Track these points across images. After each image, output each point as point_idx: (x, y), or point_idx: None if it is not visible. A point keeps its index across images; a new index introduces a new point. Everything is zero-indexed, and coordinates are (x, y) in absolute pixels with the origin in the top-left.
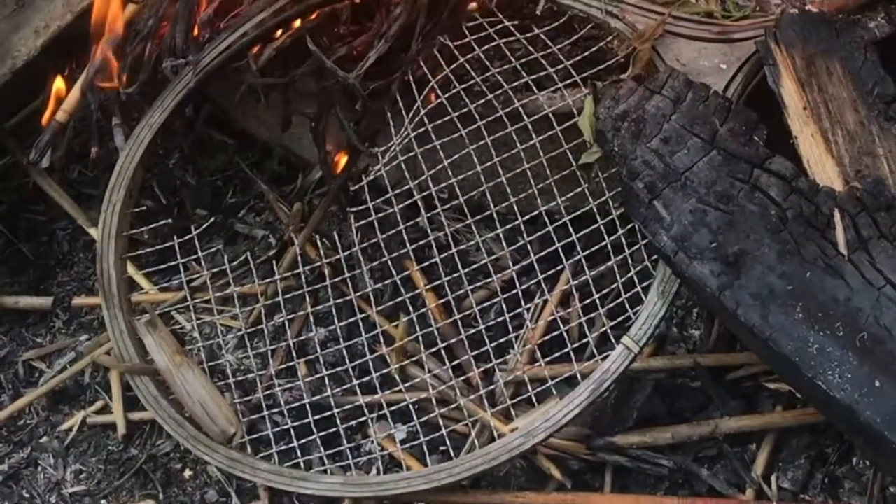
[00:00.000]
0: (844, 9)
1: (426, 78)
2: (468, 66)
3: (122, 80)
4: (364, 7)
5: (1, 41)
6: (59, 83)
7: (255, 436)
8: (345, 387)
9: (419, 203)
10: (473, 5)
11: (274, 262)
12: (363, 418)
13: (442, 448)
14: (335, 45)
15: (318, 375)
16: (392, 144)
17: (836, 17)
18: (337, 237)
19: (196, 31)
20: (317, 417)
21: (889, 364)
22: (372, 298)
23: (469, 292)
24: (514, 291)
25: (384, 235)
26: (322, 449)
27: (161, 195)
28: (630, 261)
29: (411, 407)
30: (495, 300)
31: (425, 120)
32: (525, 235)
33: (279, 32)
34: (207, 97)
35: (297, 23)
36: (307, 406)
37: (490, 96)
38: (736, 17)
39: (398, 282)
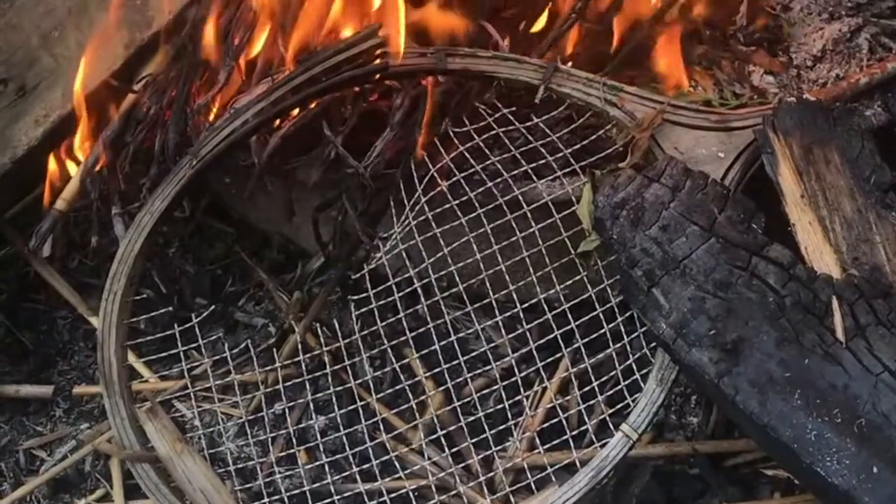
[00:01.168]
0: (841, 97)
1: (426, 165)
2: (467, 155)
3: (124, 171)
4: (364, 95)
5: (2, 130)
6: (52, 164)
7: None
8: (345, 474)
9: (419, 291)
10: (485, 96)
11: (274, 350)
12: None
13: None
14: (339, 133)
15: (318, 463)
16: (393, 233)
17: (833, 105)
18: (337, 325)
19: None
20: None
21: (887, 450)
22: (372, 386)
23: (468, 380)
24: (513, 379)
25: (384, 323)
26: None
27: (161, 284)
28: (629, 348)
29: (411, 494)
30: (494, 388)
31: (426, 208)
32: (524, 323)
33: (279, 121)
34: (206, 185)
35: (296, 112)
36: (307, 493)
37: (490, 184)
38: (734, 106)
39: (398, 369)
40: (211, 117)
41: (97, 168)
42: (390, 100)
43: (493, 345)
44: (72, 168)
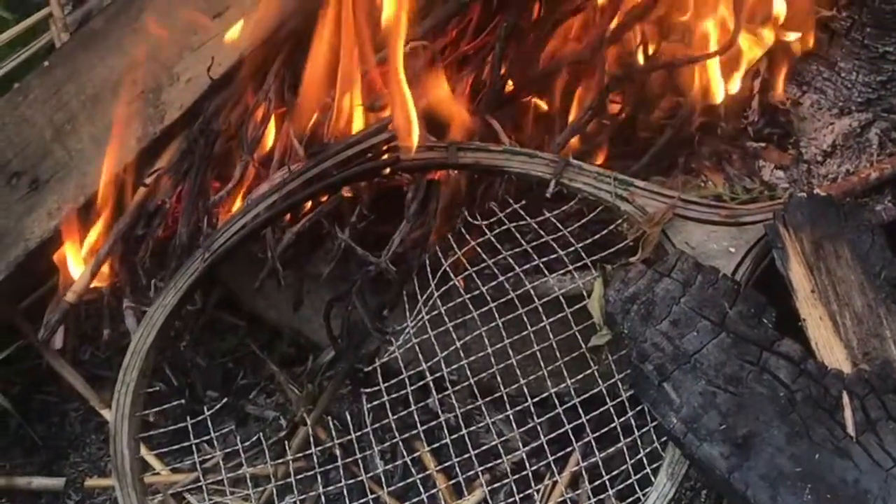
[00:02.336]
0: (852, 192)
1: (439, 259)
2: (479, 249)
3: (145, 265)
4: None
5: (15, 223)
6: (64, 257)
7: None
8: None
9: (430, 384)
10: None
11: (285, 442)
12: None
13: None
14: (352, 227)
15: None
16: (406, 326)
17: (843, 200)
18: (348, 418)
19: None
20: None
21: None
22: (383, 479)
23: (479, 474)
24: (523, 473)
25: (395, 417)
26: None
27: (173, 377)
28: (639, 442)
29: None
30: (505, 481)
31: (438, 302)
32: (535, 417)
33: (290, 215)
34: (217, 279)
35: (308, 205)
36: None
37: (501, 278)
38: (744, 201)
39: (409, 463)
40: (229, 211)
41: (108, 261)
42: (400, 181)
43: (503, 438)
44: (84, 261)
